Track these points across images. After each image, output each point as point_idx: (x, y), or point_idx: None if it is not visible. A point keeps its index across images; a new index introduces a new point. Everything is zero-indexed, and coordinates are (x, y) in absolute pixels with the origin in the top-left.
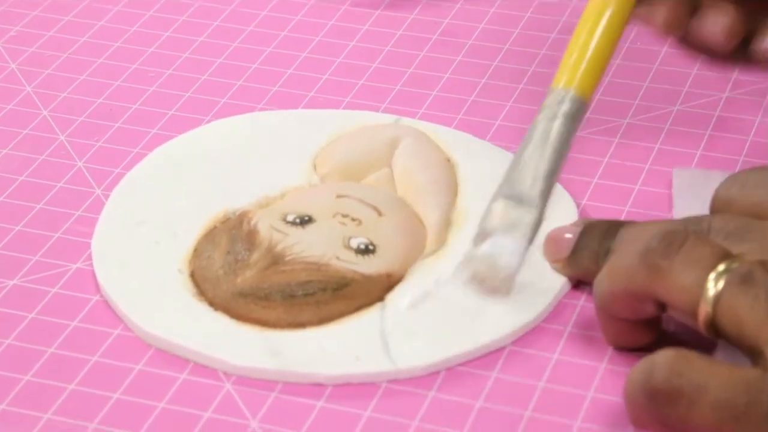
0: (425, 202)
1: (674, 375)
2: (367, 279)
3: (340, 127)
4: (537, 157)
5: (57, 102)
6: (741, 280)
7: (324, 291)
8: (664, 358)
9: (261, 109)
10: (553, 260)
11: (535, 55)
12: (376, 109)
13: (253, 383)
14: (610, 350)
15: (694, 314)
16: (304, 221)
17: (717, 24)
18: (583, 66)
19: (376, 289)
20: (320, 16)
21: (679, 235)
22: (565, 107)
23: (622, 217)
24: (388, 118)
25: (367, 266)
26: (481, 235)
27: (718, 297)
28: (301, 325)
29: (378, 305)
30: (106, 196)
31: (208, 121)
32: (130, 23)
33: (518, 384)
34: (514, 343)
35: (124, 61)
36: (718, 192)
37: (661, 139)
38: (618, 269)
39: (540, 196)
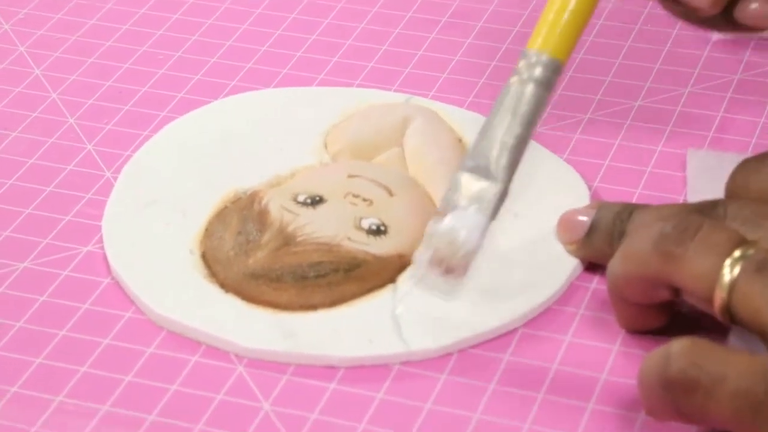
0: (436, 182)
1: (691, 366)
2: (379, 260)
3: (351, 105)
4: (505, 127)
5: (66, 85)
6: (757, 267)
7: (336, 272)
8: (680, 348)
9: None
10: (567, 242)
11: None
12: (387, 91)
13: (265, 365)
14: (622, 332)
15: (709, 300)
16: (315, 201)
17: None
18: (559, 28)
19: (388, 271)
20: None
21: (694, 222)
22: (538, 71)
23: (634, 200)
24: (399, 97)
25: (379, 247)
26: (443, 208)
27: (734, 283)
28: (313, 307)
29: (390, 287)
30: (116, 179)
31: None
32: (139, 5)
33: (531, 366)
34: (527, 325)
35: (132, 43)
36: (733, 176)
37: (672, 121)
38: (632, 254)
39: (505, 169)
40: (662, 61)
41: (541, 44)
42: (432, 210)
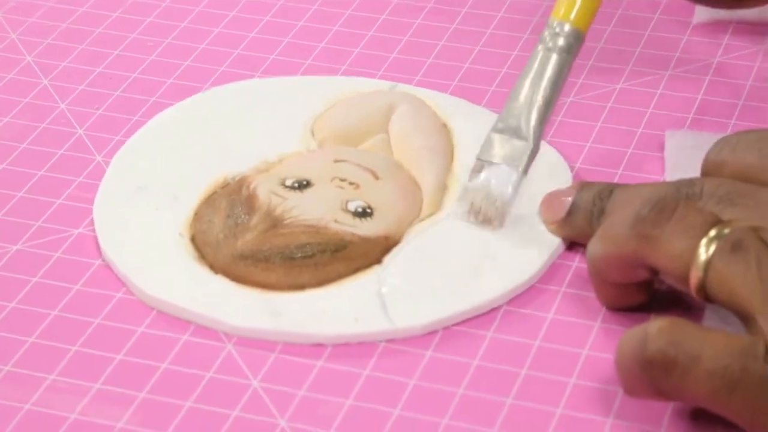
0: (421, 167)
1: (668, 345)
2: (365, 241)
3: (337, 93)
4: (533, 90)
5: (57, 71)
6: (732, 247)
7: (323, 253)
8: (657, 327)
9: (259, 77)
10: (549, 222)
11: (528, 22)
12: (373, 76)
13: (253, 344)
14: (603, 310)
15: (685, 280)
16: (303, 185)
17: None
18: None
19: (374, 251)
20: None
21: (670, 203)
22: (561, 40)
23: (616, 180)
24: (385, 85)
25: (365, 229)
26: (478, 167)
27: (709, 263)
28: (301, 286)
29: (376, 267)
30: (107, 163)
31: (207, 89)
32: None
33: (514, 343)
34: (510, 303)
35: (122, 30)
36: (709, 155)
37: (653, 104)
38: (610, 236)
39: (535, 128)
40: (643, 45)
41: (563, 14)
42: (417, 193)
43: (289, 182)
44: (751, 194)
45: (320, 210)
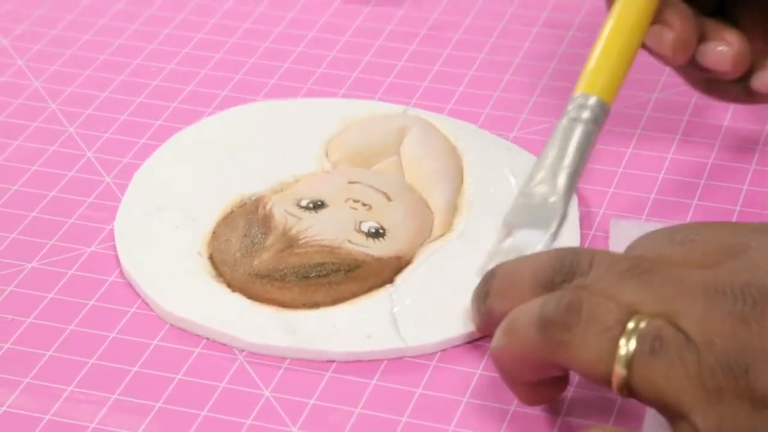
0: (432, 188)
1: None
2: (378, 261)
3: (350, 115)
4: (560, 157)
5: (64, 96)
6: (651, 347)
7: (337, 272)
8: None
9: (260, 101)
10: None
11: (519, 48)
12: (370, 100)
13: (264, 356)
14: None
15: (605, 380)
16: (317, 206)
17: (724, 51)
18: (604, 71)
19: (386, 271)
20: (313, 12)
21: (575, 299)
22: (587, 112)
23: (608, 198)
24: (397, 108)
25: (378, 249)
26: (506, 231)
27: (631, 364)
28: (315, 305)
29: (388, 286)
30: (116, 184)
31: (210, 113)
32: (131, 21)
33: None
34: None
35: (126, 57)
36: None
37: (642, 125)
38: (515, 337)
39: (564, 192)
40: (631, 69)
41: (587, 87)
42: (428, 214)
43: (304, 203)
44: (658, 270)
45: (334, 230)
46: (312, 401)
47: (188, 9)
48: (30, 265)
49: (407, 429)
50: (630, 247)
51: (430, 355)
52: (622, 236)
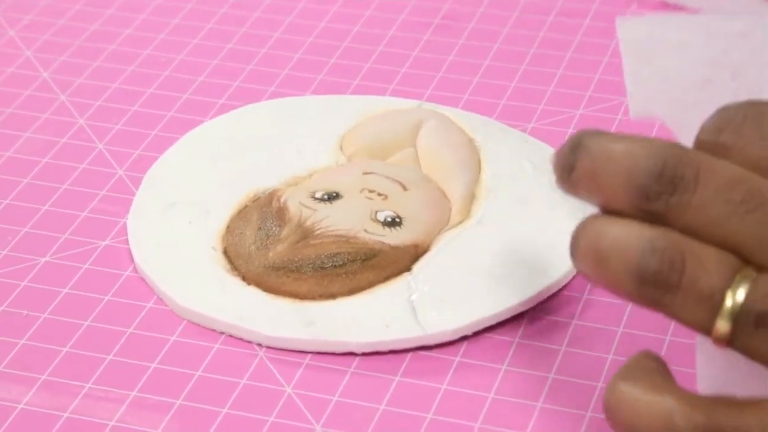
0: (450, 178)
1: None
2: (395, 250)
3: (365, 111)
4: None
5: (73, 88)
6: (756, 322)
7: (353, 262)
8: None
9: (273, 92)
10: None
11: (534, 37)
12: (383, 91)
13: (284, 352)
14: (627, 315)
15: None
16: (332, 197)
17: None
18: None
19: (403, 260)
20: (324, 2)
21: (678, 258)
22: None
23: None
24: (412, 103)
25: (395, 238)
26: None
27: (732, 337)
28: (332, 295)
29: (406, 275)
30: (128, 176)
31: (222, 105)
32: (139, 11)
33: (541, 348)
34: (536, 308)
35: (135, 47)
36: (703, 134)
37: (614, 129)
38: (605, 277)
39: None
40: (602, 72)
41: None
42: (444, 203)
43: (318, 194)
44: None
45: (350, 220)
46: (335, 398)
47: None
48: (44, 260)
49: (433, 426)
50: (714, 130)
51: (454, 350)
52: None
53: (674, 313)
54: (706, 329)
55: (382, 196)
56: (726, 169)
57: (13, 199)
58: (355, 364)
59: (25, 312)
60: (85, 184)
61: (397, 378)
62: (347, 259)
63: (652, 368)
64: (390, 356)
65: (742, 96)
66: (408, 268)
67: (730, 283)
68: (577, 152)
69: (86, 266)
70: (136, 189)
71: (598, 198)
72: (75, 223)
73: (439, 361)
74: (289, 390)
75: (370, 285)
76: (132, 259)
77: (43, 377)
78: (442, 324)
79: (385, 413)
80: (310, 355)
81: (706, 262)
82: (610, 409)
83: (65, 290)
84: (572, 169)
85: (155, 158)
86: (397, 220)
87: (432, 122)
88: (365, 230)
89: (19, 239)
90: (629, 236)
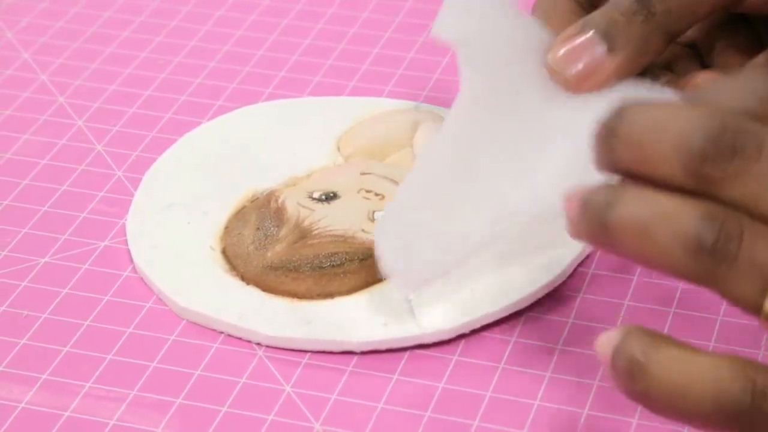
0: None
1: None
2: None
3: (362, 112)
4: None
5: (71, 90)
6: None
7: (351, 262)
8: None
9: (270, 94)
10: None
11: None
12: (380, 93)
13: (283, 351)
14: (624, 314)
15: (755, 311)
16: (330, 197)
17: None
18: None
19: None
20: (320, 3)
21: (736, 231)
22: None
23: None
24: (409, 104)
25: None
26: None
27: None
28: (330, 295)
29: None
30: (127, 178)
31: (219, 106)
32: (137, 13)
33: (537, 347)
34: (532, 307)
35: (133, 49)
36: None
37: None
38: (651, 251)
39: None
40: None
41: None
42: None
43: (316, 195)
44: None
45: (348, 220)
46: (334, 396)
47: (194, 2)
48: (43, 260)
49: (431, 424)
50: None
51: (451, 349)
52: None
53: (725, 286)
54: (756, 305)
55: (380, 196)
56: None
57: (13, 201)
58: (353, 362)
59: (25, 312)
60: (84, 186)
61: (396, 376)
62: (345, 259)
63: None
64: (388, 355)
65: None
66: None
67: None
68: (623, 116)
69: (86, 267)
70: (135, 190)
71: (640, 165)
72: (74, 224)
73: (436, 359)
74: (288, 389)
75: (368, 284)
76: (131, 260)
77: (44, 377)
78: (439, 323)
79: (384, 411)
80: (308, 354)
81: (762, 237)
82: (650, 377)
83: (65, 290)
84: (614, 133)
85: (154, 159)
86: None
87: (429, 123)
88: (363, 230)
89: (19, 240)
90: (682, 206)
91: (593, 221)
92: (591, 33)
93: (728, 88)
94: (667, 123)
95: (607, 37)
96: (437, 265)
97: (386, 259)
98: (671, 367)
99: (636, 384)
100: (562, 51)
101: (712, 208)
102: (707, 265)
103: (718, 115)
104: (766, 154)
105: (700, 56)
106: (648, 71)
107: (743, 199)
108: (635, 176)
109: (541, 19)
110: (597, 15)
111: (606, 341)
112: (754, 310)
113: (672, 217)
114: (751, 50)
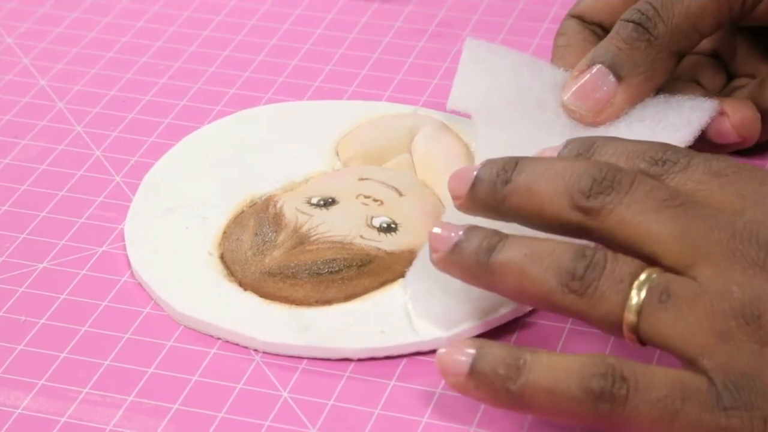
0: (445, 185)
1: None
2: (390, 255)
3: (361, 116)
4: None
5: (70, 95)
6: (659, 298)
7: (349, 268)
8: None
9: (269, 99)
10: (455, 196)
11: (528, 44)
12: (379, 98)
13: (280, 356)
14: None
15: (617, 327)
16: (328, 203)
17: (724, 121)
18: None
19: (399, 265)
20: (320, 9)
21: (599, 258)
22: None
23: None
24: (407, 109)
25: (390, 243)
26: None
27: (640, 311)
28: (328, 301)
29: (401, 281)
30: (126, 183)
31: (219, 111)
32: (136, 19)
33: None
34: (530, 314)
35: (132, 55)
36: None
37: None
38: (528, 284)
39: None
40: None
41: None
42: (440, 208)
43: (314, 200)
44: (693, 207)
45: (346, 226)
46: (330, 402)
47: (193, 7)
48: (41, 266)
49: (427, 430)
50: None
51: None
52: (473, 57)
53: (594, 309)
54: (619, 319)
55: (378, 202)
56: (652, 179)
57: (11, 206)
58: (350, 368)
59: (23, 318)
60: (83, 191)
61: (393, 383)
62: (343, 265)
63: None
64: (385, 361)
65: (540, 122)
66: (403, 274)
67: (641, 268)
68: (516, 167)
69: (84, 272)
70: (134, 195)
71: (528, 209)
72: (72, 229)
73: (434, 365)
74: (285, 394)
75: (366, 291)
76: (129, 265)
77: (41, 382)
78: (436, 331)
79: (381, 418)
80: (305, 360)
81: (623, 261)
82: (524, 378)
83: (63, 296)
84: (507, 181)
85: (152, 165)
86: (393, 225)
87: (427, 128)
88: (361, 236)
89: (17, 245)
90: (560, 245)
91: (472, 261)
92: (598, 67)
93: (611, 147)
94: (562, 170)
95: (614, 68)
96: (474, 312)
97: (421, 303)
98: (542, 366)
99: (512, 384)
100: (573, 89)
101: (583, 247)
102: (578, 291)
103: (599, 163)
104: (635, 187)
105: (724, 65)
106: (676, 88)
107: (617, 227)
108: (522, 216)
109: (561, 48)
110: (601, 48)
111: (457, 353)
112: (618, 324)
113: (550, 255)
114: None
